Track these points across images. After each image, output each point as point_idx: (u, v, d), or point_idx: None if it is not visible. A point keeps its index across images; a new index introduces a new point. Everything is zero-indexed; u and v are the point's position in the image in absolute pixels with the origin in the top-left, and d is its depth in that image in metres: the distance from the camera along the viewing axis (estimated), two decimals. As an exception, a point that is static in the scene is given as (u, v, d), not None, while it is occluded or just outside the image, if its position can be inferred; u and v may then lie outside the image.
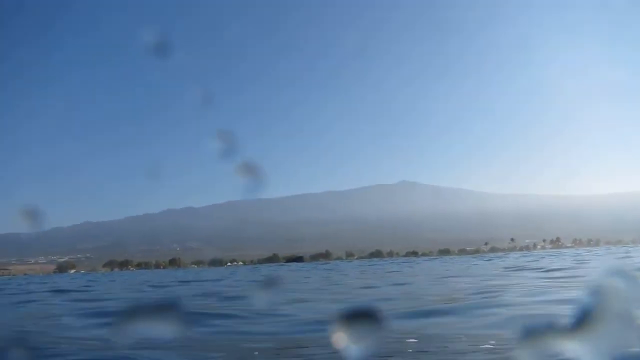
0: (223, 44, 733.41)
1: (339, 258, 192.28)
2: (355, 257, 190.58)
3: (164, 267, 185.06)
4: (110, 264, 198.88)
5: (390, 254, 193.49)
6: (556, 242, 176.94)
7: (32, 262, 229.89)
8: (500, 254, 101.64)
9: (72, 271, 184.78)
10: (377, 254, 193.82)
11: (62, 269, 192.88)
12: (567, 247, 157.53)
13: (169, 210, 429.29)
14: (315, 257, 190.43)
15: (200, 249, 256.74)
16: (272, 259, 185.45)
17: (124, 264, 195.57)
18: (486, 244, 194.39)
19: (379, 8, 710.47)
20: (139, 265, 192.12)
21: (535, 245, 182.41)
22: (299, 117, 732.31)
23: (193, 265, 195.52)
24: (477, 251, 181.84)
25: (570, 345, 0.97)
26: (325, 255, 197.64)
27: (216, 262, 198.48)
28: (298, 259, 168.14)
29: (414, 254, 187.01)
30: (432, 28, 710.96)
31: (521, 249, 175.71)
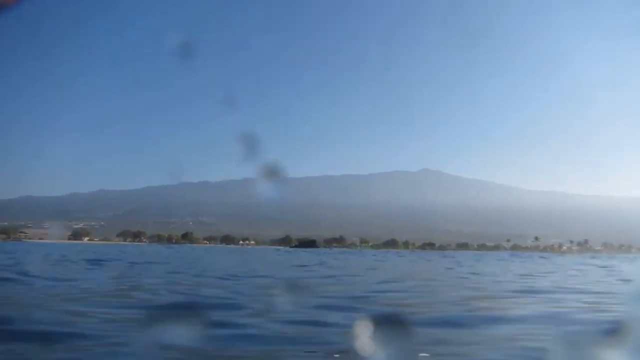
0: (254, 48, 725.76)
1: (352, 244, 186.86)
2: (370, 245, 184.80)
3: (176, 242, 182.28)
4: (124, 234, 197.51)
5: (406, 244, 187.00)
6: (584, 245, 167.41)
7: (47, 226, 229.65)
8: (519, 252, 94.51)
9: (86, 239, 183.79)
10: (392, 243, 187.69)
11: (76, 236, 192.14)
12: (595, 250, 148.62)
13: (185, 183, 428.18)
14: (329, 242, 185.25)
15: (214, 224, 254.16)
16: (285, 241, 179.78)
17: (137, 235, 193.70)
18: (508, 240, 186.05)
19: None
20: (151, 238, 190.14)
21: (560, 246, 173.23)
22: (323, 98, 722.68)
23: (205, 242, 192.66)
24: (497, 247, 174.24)
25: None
26: (339, 241, 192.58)
27: (228, 240, 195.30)
28: (311, 243, 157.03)
29: (431, 245, 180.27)
30: (463, 23, 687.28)
31: (545, 249, 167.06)
